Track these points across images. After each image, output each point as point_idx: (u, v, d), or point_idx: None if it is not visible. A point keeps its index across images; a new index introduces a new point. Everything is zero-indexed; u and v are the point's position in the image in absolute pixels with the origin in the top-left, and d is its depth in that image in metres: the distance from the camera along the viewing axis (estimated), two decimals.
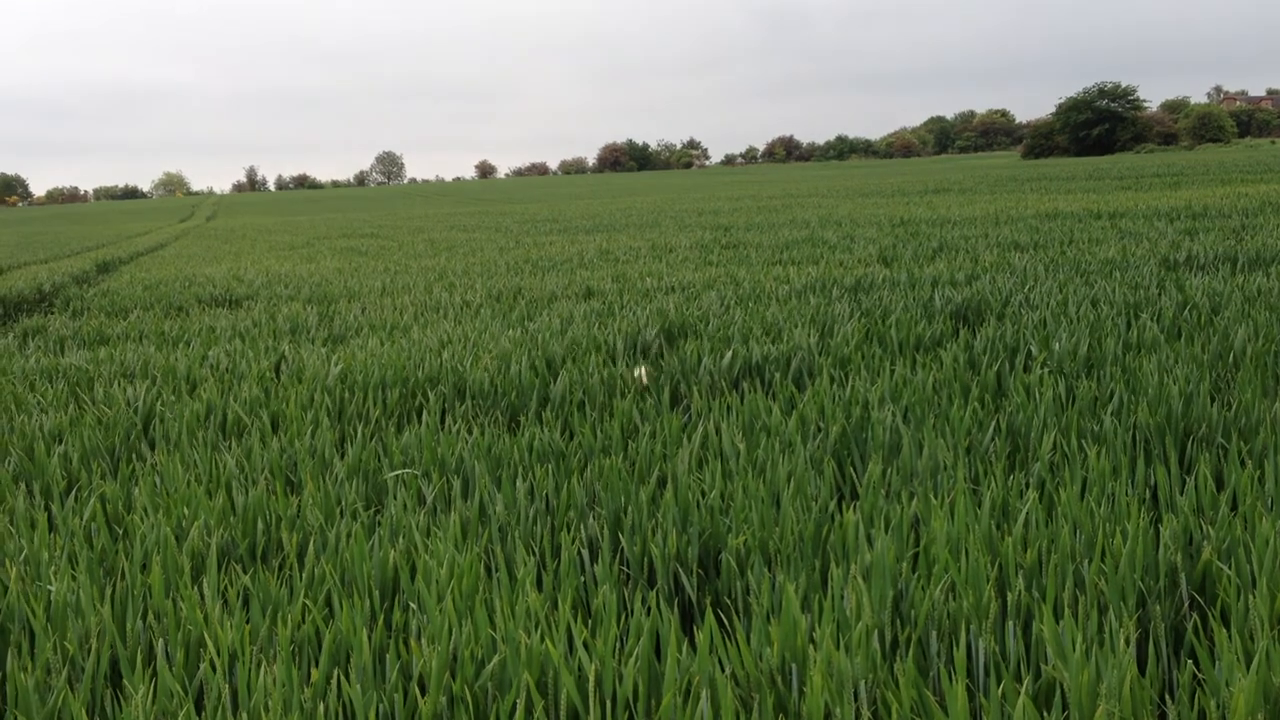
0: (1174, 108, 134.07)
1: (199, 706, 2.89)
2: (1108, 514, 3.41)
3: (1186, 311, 6.93)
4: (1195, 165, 41.71)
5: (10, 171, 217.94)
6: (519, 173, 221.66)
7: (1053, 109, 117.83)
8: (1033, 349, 6.07)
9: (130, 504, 4.31)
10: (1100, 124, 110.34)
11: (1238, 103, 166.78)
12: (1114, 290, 7.99)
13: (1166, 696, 2.57)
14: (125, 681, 2.86)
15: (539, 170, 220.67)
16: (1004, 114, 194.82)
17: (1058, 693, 2.52)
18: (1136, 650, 2.92)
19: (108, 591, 3.23)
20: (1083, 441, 4.33)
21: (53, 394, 6.42)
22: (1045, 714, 2.54)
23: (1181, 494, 3.70)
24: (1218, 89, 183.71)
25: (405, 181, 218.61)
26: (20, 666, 2.92)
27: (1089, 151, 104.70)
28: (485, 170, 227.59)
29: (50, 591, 3.31)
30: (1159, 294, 7.77)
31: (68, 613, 3.15)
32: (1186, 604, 3.06)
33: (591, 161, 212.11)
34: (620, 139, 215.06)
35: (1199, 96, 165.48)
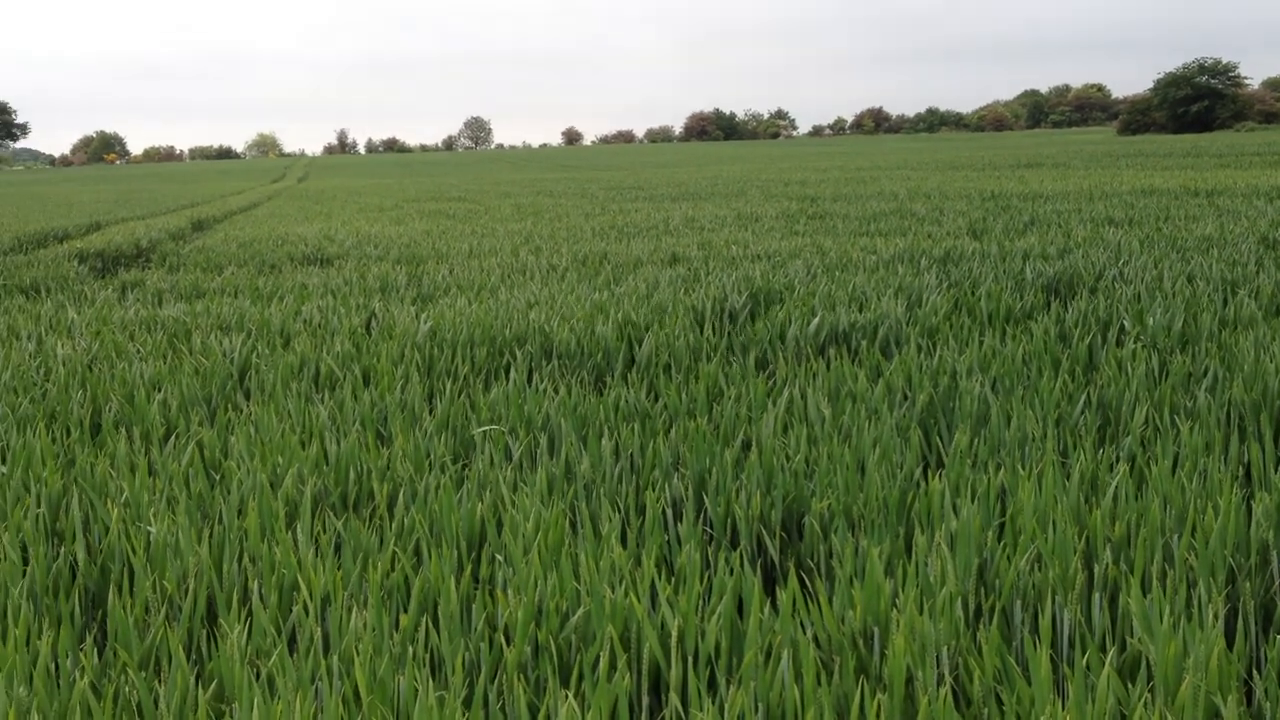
0: (1276, 85, 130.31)
1: (292, 647, 2.97)
2: (1199, 490, 3.37)
3: None
4: None
5: (110, 130, 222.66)
6: (605, 140, 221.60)
7: (1150, 85, 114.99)
8: (1126, 323, 5.98)
9: (227, 451, 4.42)
10: (1199, 100, 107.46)
11: None
12: (1211, 267, 7.82)
13: (1254, 672, 2.54)
14: (221, 621, 2.95)
15: (625, 138, 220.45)
16: (1100, 89, 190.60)
17: (1143, 665, 2.51)
18: (1225, 626, 2.89)
19: (205, 534, 3.32)
20: (1175, 417, 4.27)
21: (152, 344, 6.59)
22: (1130, 686, 2.52)
23: (1276, 471, 3.63)
24: None
25: (493, 147, 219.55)
26: (121, 603, 3.01)
27: (1187, 129, 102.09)
28: (572, 137, 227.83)
29: (150, 533, 3.41)
30: (1257, 271, 7.60)
31: (167, 553, 3.25)
32: (1277, 581, 3.02)
33: (678, 130, 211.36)
34: (707, 108, 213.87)
35: None
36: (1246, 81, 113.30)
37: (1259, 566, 3.03)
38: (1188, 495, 3.29)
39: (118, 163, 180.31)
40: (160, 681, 2.70)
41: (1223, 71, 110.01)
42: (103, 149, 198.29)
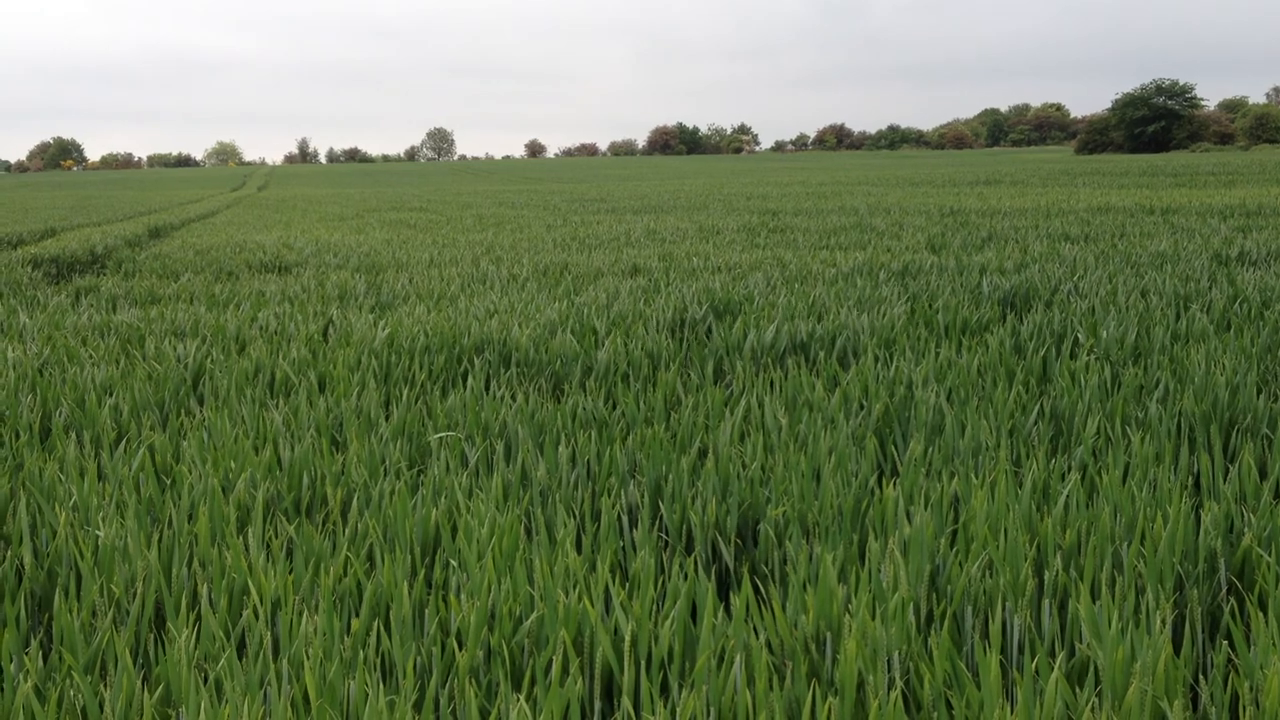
0: (1231, 107, 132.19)
1: (241, 651, 2.94)
2: (1149, 499, 3.40)
3: (1237, 305, 6.87)
4: (1251, 165, 41.13)
5: (67, 136, 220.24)
6: (568, 153, 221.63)
7: (1108, 105, 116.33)
8: (1080, 336, 6.04)
9: (178, 456, 4.38)
10: (1156, 121, 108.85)
11: None
12: (1164, 282, 7.92)
13: (1200, 678, 2.57)
14: (169, 625, 2.92)
15: (588, 151, 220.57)
16: (1059, 108, 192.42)
17: (1091, 670, 2.53)
18: (1172, 632, 2.91)
19: (154, 538, 3.29)
20: (1127, 427, 4.31)
21: (104, 349, 6.52)
22: (1078, 690, 2.54)
23: (1224, 481, 3.67)
24: (1276, 90, 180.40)
25: (455, 158, 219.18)
26: (67, 607, 2.98)
27: (1144, 149, 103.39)
28: (535, 149, 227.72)
29: (98, 536, 3.37)
30: (1209, 287, 7.70)
31: (115, 557, 3.21)
32: (1224, 589, 3.05)
33: (641, 144, 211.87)
34: (670, 122, 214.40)
35: (1257, 96, 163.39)
36: (1203, 103, 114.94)
37: (1206, 574, 3.05)
38: (1138, 504, 3.32)
39: (75, 169, 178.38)
40: (106, 685, 2.67)
41: (1180, 93, 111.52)
42: (60, 155, 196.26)
